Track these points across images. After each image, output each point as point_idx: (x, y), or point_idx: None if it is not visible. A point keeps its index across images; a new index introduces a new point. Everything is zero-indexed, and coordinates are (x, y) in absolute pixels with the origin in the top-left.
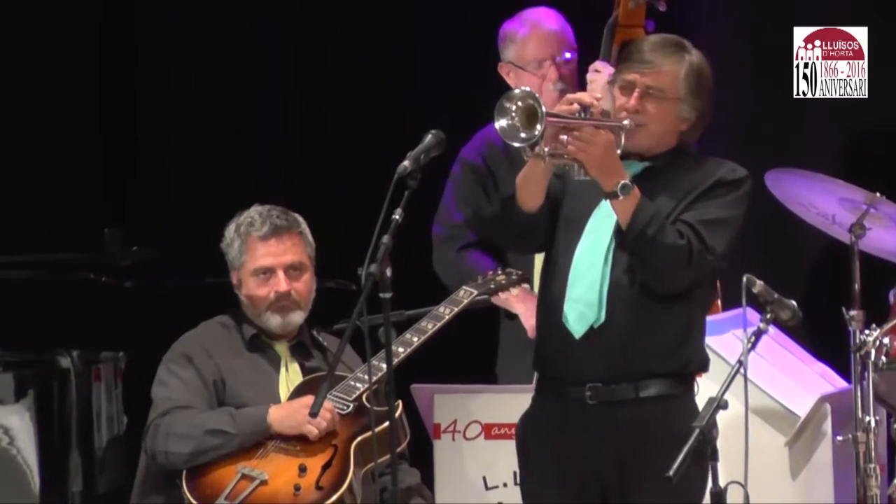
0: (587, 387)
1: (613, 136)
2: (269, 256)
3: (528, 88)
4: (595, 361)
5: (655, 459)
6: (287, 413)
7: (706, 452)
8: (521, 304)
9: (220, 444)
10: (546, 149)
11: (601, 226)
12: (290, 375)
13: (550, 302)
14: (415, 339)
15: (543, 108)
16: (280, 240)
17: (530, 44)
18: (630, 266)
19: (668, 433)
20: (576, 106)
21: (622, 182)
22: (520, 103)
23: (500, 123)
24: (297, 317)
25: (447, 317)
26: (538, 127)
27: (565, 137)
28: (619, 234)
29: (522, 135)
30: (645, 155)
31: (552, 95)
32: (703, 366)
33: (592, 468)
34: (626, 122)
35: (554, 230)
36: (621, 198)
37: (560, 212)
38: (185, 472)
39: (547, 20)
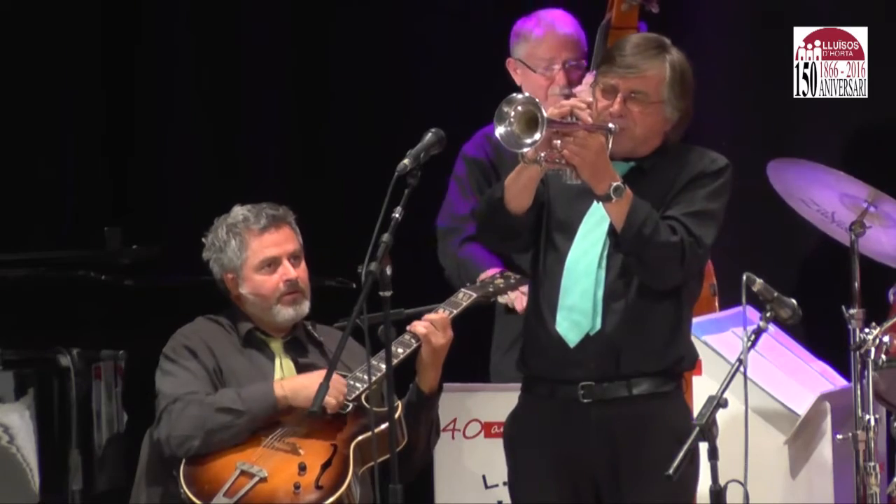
0: (580, 385)
1: (604, 139)
2: (272, 247)
3: (529, 95)
4: (588, 363)
5: (650, 457)
6: (296, 385)
7: (698, 450)
8: None
9: (229, 421)
10: (542, 154)
11: (593, 232)
12: (285, 373)
13: (541, 308)
14: (413, 341)
15: (545, 114)
16: (278, 229)
17: (544, 45)
18: (623, 270)
19: (662, 430)
20: (567, 109)
21: (615, 184)
22: (519, 108)
23: (500, 130)
24: (306, 307)
25: None
26: (538, 133)
27: (559, 142)
28: (614, 235)
29: (525, 140)
30: (630, 156)
31: (557, 99)
32: (693, 362)
33: (586, 467)
34: (611, 125)
35: (538, 234)
36: (614, 200)
37: (549, 217)
38: (182, 467)
39: (563, 24)
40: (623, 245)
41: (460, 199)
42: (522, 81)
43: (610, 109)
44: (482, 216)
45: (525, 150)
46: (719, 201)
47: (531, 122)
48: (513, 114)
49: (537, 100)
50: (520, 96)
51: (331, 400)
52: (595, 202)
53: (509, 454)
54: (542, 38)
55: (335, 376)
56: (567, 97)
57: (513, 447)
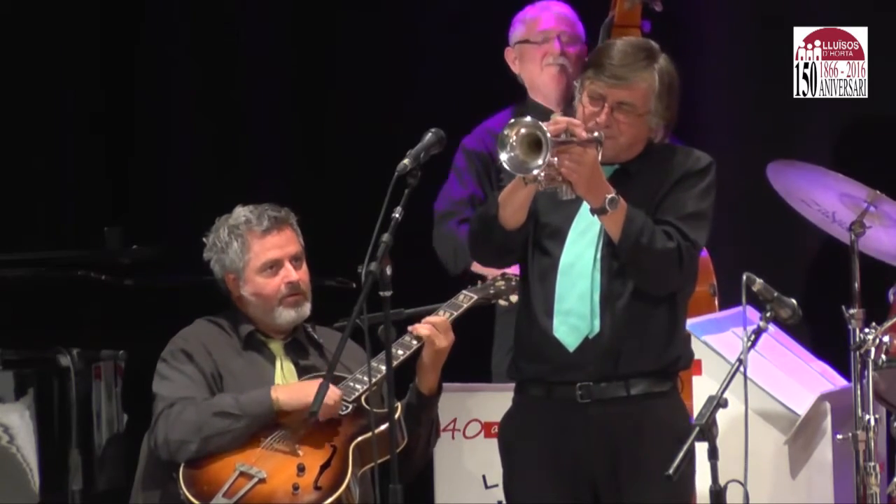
0: (577, 385)
1: (596, 152)
2: (274, 249)
3: (531, 119)
4: (587, 366)
5: (649, 456)
6: (294, 391)
7: (695, 449)
8: None
9: (226, 426)
10: (542, 173)
11: (584, 235)
12: (285, 374)
13: (536, 313)
14: (414, 342)
15: (548, 136)
16: (280, 232)
17: (540, 20)
18: (619, 272)
19: (659, 429)
20: (563, 125)
21: (609, 196)
22: (522, 130)
23: (503, 156)
24: (307, 309)
25: None
26: (542, 157)
27: (555, 159)
28: (611, 245)
29: (531, 164)
30: (613, 161)
31: (551, 70)
32: (689, 361)
33: (584, 467)
34: (596, 134)
35: (527, 246)
36: (610, 212)
37: (536, 224)
38: (182, 468)
39: (559, 6)
40: (621, 255)
41: (458, 186)
42: (520, 69)
43: (597, 119)
44: (476, 234)
45: (533, 172)
46: (708, 200)
47: (533, 144)
48: (514, 137)
49: (539, 122)
50: (522, 120)
51: (330, 402)
52: (583, 207)
53: (505, 456)
54: (538, 16)
55: (329, 386)
56: (561, 67)
57: (508, 449)
